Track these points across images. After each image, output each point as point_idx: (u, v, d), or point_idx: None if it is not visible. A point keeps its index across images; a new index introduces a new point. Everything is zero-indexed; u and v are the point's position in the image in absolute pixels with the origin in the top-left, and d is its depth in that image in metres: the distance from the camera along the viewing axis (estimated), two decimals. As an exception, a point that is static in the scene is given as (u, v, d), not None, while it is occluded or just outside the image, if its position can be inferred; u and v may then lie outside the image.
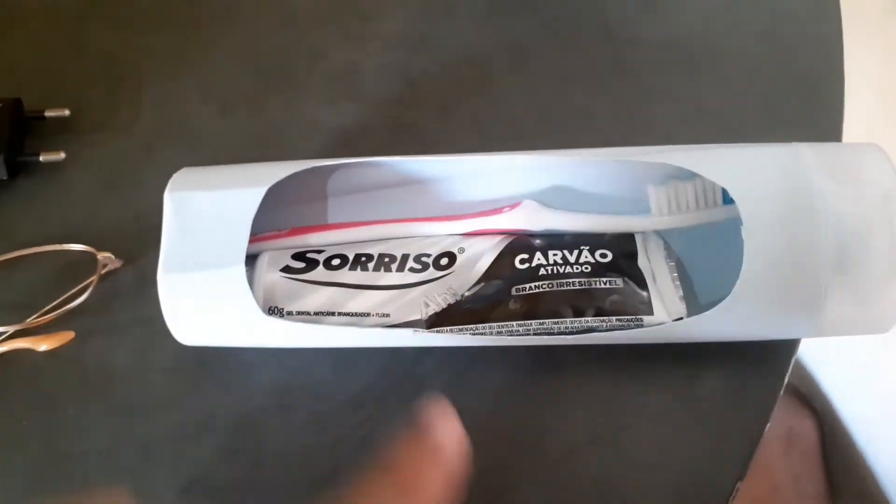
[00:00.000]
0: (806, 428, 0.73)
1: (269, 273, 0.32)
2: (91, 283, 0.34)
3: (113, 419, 0.33)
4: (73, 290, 0.35)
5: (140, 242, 0.37)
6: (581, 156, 0.32)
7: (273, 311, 0.31)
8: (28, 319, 0.34)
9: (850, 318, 0.30)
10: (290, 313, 0.31)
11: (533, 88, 0.40)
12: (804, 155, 0.29)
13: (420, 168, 0.35)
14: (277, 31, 0.42)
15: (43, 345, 0.32)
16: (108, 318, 0.35)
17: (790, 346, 0.34)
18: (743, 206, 0.29)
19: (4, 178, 0.37)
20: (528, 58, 0.41)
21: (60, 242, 0.36)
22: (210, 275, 0.30)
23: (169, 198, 0.31)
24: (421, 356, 0.34)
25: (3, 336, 0.34)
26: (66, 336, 0.32)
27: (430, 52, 0.41)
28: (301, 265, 0.32)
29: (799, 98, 0.39)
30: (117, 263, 0.35)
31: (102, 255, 0.35)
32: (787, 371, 0.33)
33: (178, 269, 0.30)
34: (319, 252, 0.33)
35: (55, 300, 0.35)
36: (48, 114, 0.39)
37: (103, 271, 0.35)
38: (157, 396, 0.34)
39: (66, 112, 0.39)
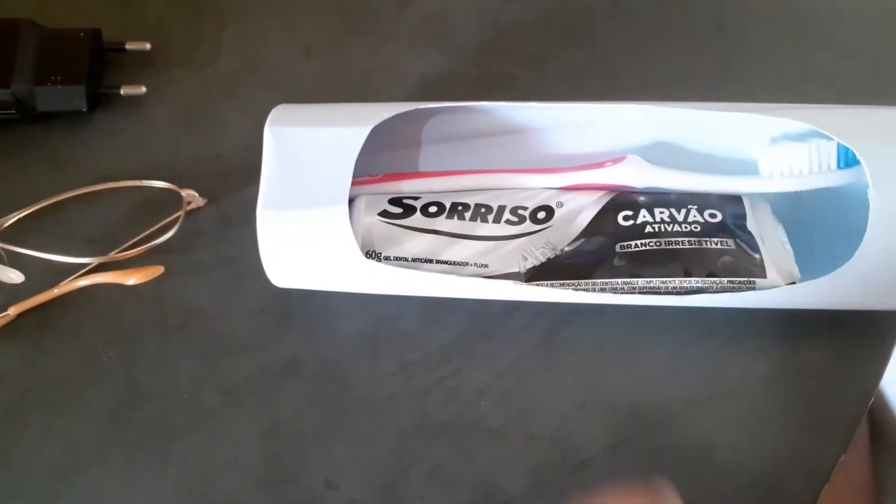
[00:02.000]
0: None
1: (367, 216, 0.31)
2: (178, 219, 0.33)
3: (195, 359, 0.32)
4: (155, 227, 0.34)
5: (221, 182, 0.36)
6: (695, 108, 0.30)
7: (371, 254, 0.30)
8: (111, 253, 0.33)
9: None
10: (387, 258, 0.30)
11: (631, 42, 0.38)
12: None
13: (518, 116, 0.33)
14: (363, -27, 0.40)
15: (131, 279, 0.31)
16: (190, 256, 0.34)
17: (893, 319, 0.32)
18: (870, 167, 0.27)
19: (84, 110, 0.36)
20: (626, 9, 0.39)
21: (140, 178, 0.35)
22: (311, 213, 0.29)
23: (269, 132, 0.30)
24: (510, 311, 0.33)
25: (86, 269, 0.33)
26: (156, 270, 0.31)
27: (521, 0, 0.39)
28: (398, 210, 0.31)
29: (909, 64, 0.37)
30: (201, 202, 0.34)
31: (186, 192, 0.34)
32: (893, 345, 0.32)
33: (277, 205, 0.29)
34: (416, 199, 0.32)
35: (134, 237, 0.34)
36: (129, 46, 0.38)
37: (188, 209, 0.34)
38: (239, 338, 0.33)
39: (147, 45, 0.38)
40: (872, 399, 0.32)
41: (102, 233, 0.35)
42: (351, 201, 0.32)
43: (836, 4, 0.39)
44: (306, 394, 0.32)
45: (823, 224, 0.32)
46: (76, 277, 0.33)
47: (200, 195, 0.35)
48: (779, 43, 0.38)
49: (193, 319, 0.33)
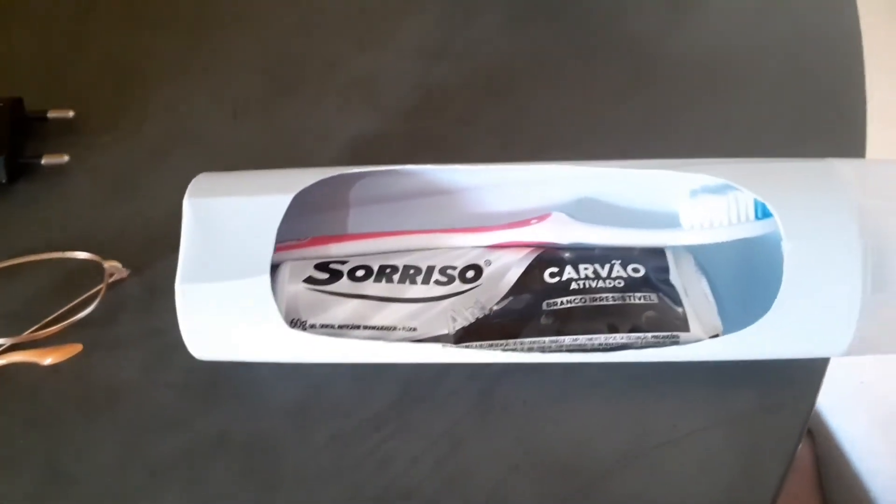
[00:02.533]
0: (801, 449, 0.73)
1: (292, 284, 0.31)
2: (99, 292, 0.32)
3: (119, 438, 0.31)
4: (77, 301, 0.33)
5: (147, 251, 0.35)
6: (616, 167, 0.31)
7: (295, 323, 0.30)
8: (28, 331, 0.32)
9: (884, 337, 0.29)
10: (313, 326, 0.30)
11: (555, 99, 0.39)
12: (841, 170, 0.29)
13: (444, 178, 0.34)
14: (290, 35, 0.41)
15: (48, 358, 0.30)
16: (113, 330, 0.33)
17: (820, 365, 0.33)
18: (783, 220, 0.28)
19: (4, 182, 0.35)
20: (549, 68, 0.40)
21: (62, 250, 0.34)
22: (232, 285, 0.28)
23: (188, 203, 0.29)
24: (444, 373, 0.33)
25: (1, 349, 0.32)
26: (74, 349, 0.30)
27: (448, 60, 0.40)
28: (324, 276, 0.31)
29: (822, 114, 0.39)
30: (124, 273, 0.34)
31: (109, 264, 0.33)
32: (817, 390, 0.33)
33: (197, 278, 0.28)
34: (343, 263, 0.31)
35: (56, 311, 0.33)
36: (51, 114, 0.37)
37: (110, 281, 0.33)
38: (166, 414, 0.32)
39: (71, 113, 0.37)
40: (802, 438, 0.32)
41: (21, 309, 0.34)
42: (276, 267, 0.31)
43: (754, 56, 0.40)
44: (236, 469, 0.31)
45: (745, 273, 0.33)
46: (-8, 357, 0.32)
47: (125, 266, 0.34)
48: (699, 95, 0.39)
49: (117, 396, 0.32)
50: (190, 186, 0.30)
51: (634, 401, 0.32)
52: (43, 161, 0.36)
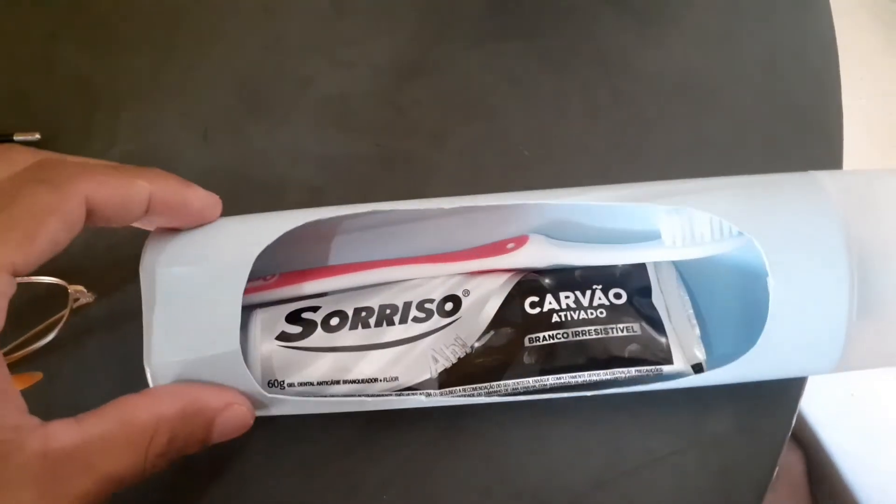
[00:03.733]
0: (793, 461, 0.72)
1: (265, 343, 0.29)
2: (62, 318, 0.32)
3: (82, 467, 0.31)
4: (40, 327, 0.33)
5: (113, 275, 0.34)
6: (590, 198, 0.30)
7: (273, 384, 0.29)
8: (-9, 358, 0.32)
9: (871, 353, 0.29)
10: (291, 385, 0.29)
11: (528, 117, 0.39)
12: (823, 182, 0.28)
13: (416, 206, 0.33)
14: (260, 55, 0.40)
15: (7, 387, 0.30)
16: (78, 356, 0.33)
17: (798, 385, 0.33)
18: (767, 253, 0.27)
19: (-32, 206, 0.35)
20: (521, 86, 0.39)
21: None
22: (203, 361, 0.27)
23: (144, 274, 0.28)
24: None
25: (-37, 377, 0.31)
26: (34, 377, 0.30)
27: (420, 79, 0.40)
28: (297, 330, 0.30)
29: (797, 129, 0.38)
30: (89, 297, 0.33)
31: (74, 289, 0.33)
32: (794, 411, 0.32)
33: (165, 355, 0.27)
34: (315, 310, 0.30)
35: (19, 338, 0.33)
36: (17, 137, 0.37)
37: (75, 305, 0.33)
38: (130, 441, 0.31)
39: (37, 135, 0.37)
40: (778, 464, 0.32)
41: (-15, 335, 0.33)
42: (246, 318, 0.30)
43: (728, 73, 0.40)
44: (201, 496, 0.30)
45: (727, 289, 0.33)
46: (-47, 386, 0.31)
47: (90, 290, 0.34)
48: (672, 111, 0.39)
49: (81, 424, 0.31)
50: (144, 251, 0.29)
51: (607, 424, 0.32)
52: (9, 184, 0.36)
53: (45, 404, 0.32)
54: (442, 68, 0.40)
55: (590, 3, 0.42)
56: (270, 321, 0.30)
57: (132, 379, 0.32)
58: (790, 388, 0.32)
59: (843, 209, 0.28)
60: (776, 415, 0.32)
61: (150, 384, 0.27)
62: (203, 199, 0.28)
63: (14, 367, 0.31)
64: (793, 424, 0.32)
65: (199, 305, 0.27)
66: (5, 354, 0.32)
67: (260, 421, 0.31)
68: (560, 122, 0.39)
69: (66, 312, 0.32)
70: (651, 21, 0.41)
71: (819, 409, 0.73)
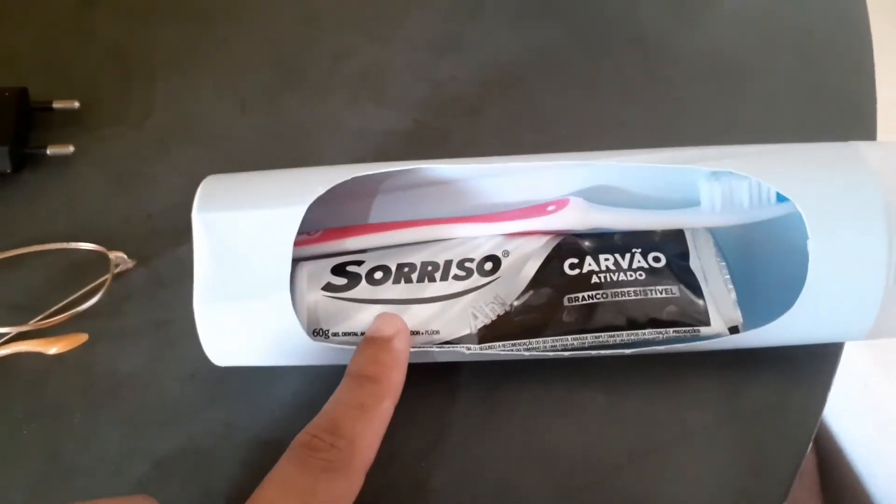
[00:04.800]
0: (804, 450, 0.73)
1: (311, 293, 0.30)
2: (105, 282, 0.32)
3: (123, 429, 0.31)
4: (82, 291, 0.33)
5: (152, 242, 0.35)
6: (631, 160, 0.30)
7: (318, 333, 0.30)
8: (33, 321, 0.32)
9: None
10: (335, 334, 0.29)
11: (563, 94, 0.39)
12: (864, 153, 0.29)
13: (459, 168, 0.33)
14: (296, 28, 0.40)
15: (53, 347, 0.30)
16: (118, 321, 0.33)
17: (832, 358, 0.33)
18: (808, 216, 0.28)
19: (8, 171, 0.35)
20: (557, 63, 0.40)
21: (67, 241, 0.34)
22: (252, 304, 0.27)
23: (198, 219, 0.28)
24: (452, 367, 0.32)
25: (6, 338, 0.32)
26: (79, 338, 0.30)
27: (456, 55, 0.40)
28: (343, 281, 0.30)
29: (831, 112, 0.38)
30: (129, 264, 0.33)
31: (114, 255, 0.33)
32: (829, 386, 0.33)
33: (215, 298, 0.28)
34: (359, 264, 0.31)
35: (60, 302, 0.33)
36: (56, 105, 0.37)
37: (116, 271, 0.33)
38: (171, 406, 0.32)
39: (76, 104, 0.37)
40: (813, 435, 0.32)
41: (26, 299, 0.33)
42: (292, 271, 0.30)
43: (761, 55, 0.40)
44: (241, 461, 0.31)
45: (764, 255, 0.33)
46: (-4, 347, 0.31)
47: (130, 257, 0.34)
48: (706, 93, 0.39)
49: (122, 387, 0.32)
50: (197, 196, 0.29)
51: (642, 397, 0.32)
52: (48, 151, 0.36)
53: (87, 366, 0.32)
54: (477, 45, 0.40)
55: (626, -17, 0.42)
56: (316, 273, 0.30)
57: (170, 344, 0.33)
58: (824, 363, 0.33)
59: (882, 177, 0.28)
60: (809, 389, 0.32)
61: (198, 326, 0.28)
62: None
63: (59, 329, 0.32)
64: (827, 400, 0.32)
65: (249, 250, 0.28)
66: (49, 316, 0.32)
67: (298, 388, 0.32)
68: (595, 100, 0.39)
69: (108, 277, 0.32)
70: (686, 3, 0.41)
71: (831, 400, 0.73)
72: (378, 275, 0.30)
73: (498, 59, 0.40)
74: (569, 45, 0.40)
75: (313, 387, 0.32)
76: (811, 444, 0.32)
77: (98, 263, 0.33)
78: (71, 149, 0.36)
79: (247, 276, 0.28)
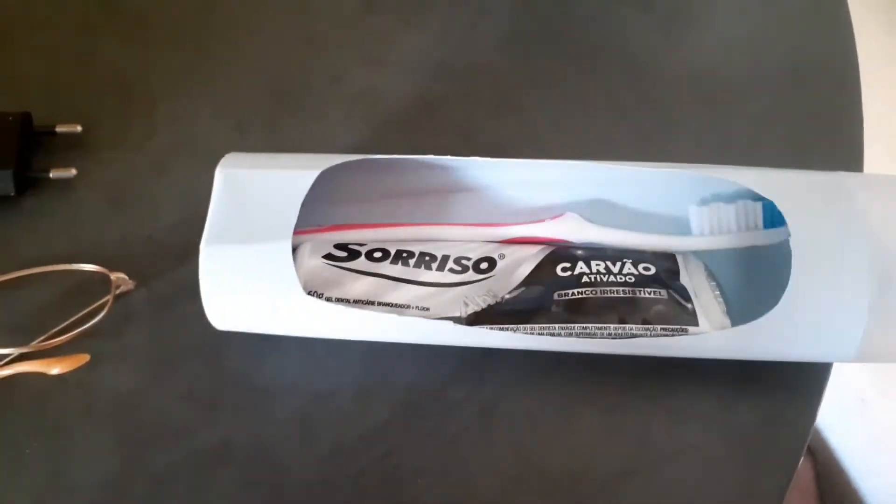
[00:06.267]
0: (802, 466, 0.73)
1: (312, 259, 0.32)
2: (106, 303, 0.33)
3: (123, 448, 0.31)
4: (83, 312, 0.33)
5: (152, 263, 0.35)
6: (634, 167, 0.32)
7: (312, 294, 0.31)
8: (35, 342, 0.33)
9: (890, 345, 0.30)
10: (329, 299, 0.31)
11: (555, 115, 0.40)
12: (849, 182, 0.29)
13: (460, 175, 0.35)
14: (293, 52, 0.41)
15: (55, 368, 0.30)
16: (119, 341, 0.33)
17: (821, 376, 0.33)
18: (791, 221, 0.28)
19: (12, 195, 0.36)
20: (549, 85, 0.40)
21: (69, 262, 0.34)
22: (254, 249, 0.29)
23: (220, 173, 0.31)
24: (447, 384, 0.33)
25: (8, 359, 0.32)
26: (81, 359, 0.31)
27: (450, 77, 0.41)
28: (343, 254, 0.32)
29: (819, 130, 0.39)
30: (130, 284, 0.34)
31: (116, 276, 0.33)
32: (819, 402, 0.33)
33: (221, 241, 0.30)
34: (361, 245, 0.33)
35: (62, 322, 0.33)
36: (59, 129, 0.38)
37: (117, 292, 0.33)
38: (170, 424, 0.32)
39: (78, 128, 0.38)
40: (804, 450, 0.33)
41: (28, 320, 0.34)
42: (296, 246, 0.32)
43: (751, 76, 0.41)
44: (239, 479, 0.31)
45: (753, 281, 0.34)
46: (-1, 367, 0.32)
47: (130, 278, 0.34)
48: (696, 113, 0.40)
49: (122, 407, 0.32)
50: (222, 161, 0.32)
51: (634, 413, 0.32)
52: (51, 174, 0.36)
53: (88, 386, 0.33)
54: (471, 67, 0.41)
55: (616, 5, 0.43)
56: (319, 245, 0.32)
57: (170, 363, 0.33)
58: (814, 379, 0.33)
59: (866, 204, 0.29)
60: (799, 405, 0.33)
61: (200, 268, 0.30)
62: None
63: (61, 350, 0.32)
64: (817, 416, 0.33)
65: (260, 205, 0.30)
66: (51, 337, 0.32)
67: (296, 406, 0.32)
68: (587, 121, 0.39)
69: (109, 298, 0.33)
70: (676, 24, 0.42)
71: (829, 414, 0.74)
72: (377, 254, 0.32)
73: (490, 81, 0.40)
74: (561, 68, 0.41)
75: (307, 405, 0.32)
76: (804, 458, 0.32)
77: (99, 284, 0.34)
78: (73, 172, 0.37)
79: (254, 227, 0.30)
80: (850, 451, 0.72)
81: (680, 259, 0.32)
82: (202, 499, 0.31)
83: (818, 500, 0.73)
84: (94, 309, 0.33)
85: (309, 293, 0.31)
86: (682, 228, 0.33)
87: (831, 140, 0.39)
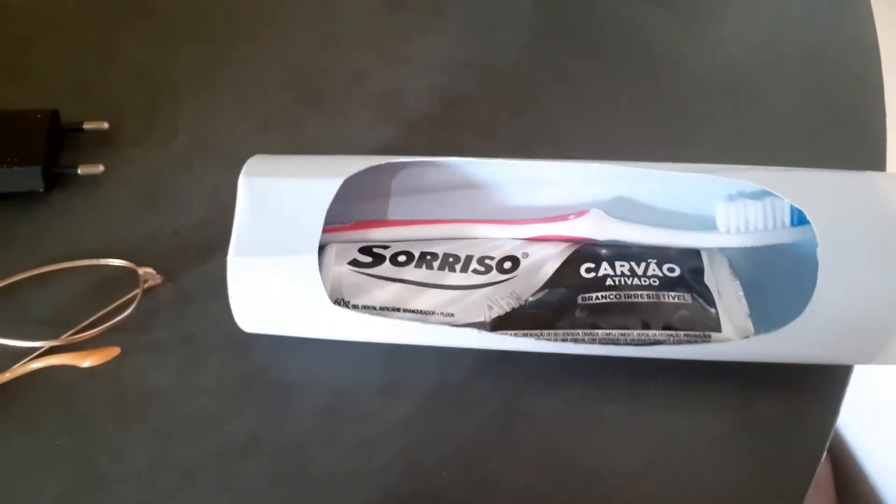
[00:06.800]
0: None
1: (337, 265, 0.32)
2: (135, 297, 0.33)
3: (152, 441, 0.32)
4: (111, 307, 0.34)
5: (179, 259, 0.36)
6: (658, 169, 0.32)
7: (339, 303, 0.31)
8: (65, 335, 0.33)
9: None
10: (355, 306, 0.31)
11: (575, 112, 0.40)
12: (876, 181, 0.29)
13: (483, 172, 0.35)
14: (316, 50, 0.42)
15: (87, 361, 0.31)
16: (147, 335, 0.34)
17: (844, 372, 0.33)
18: (818, 227, 0.29)
19: (40, 191, 0.36)
20: (569, 82, 0.41)
21: (97, 257, 0.35)
22: (281, 261, 0.29)
23: (244, 181, 0.31)
24: (471, 379, 0.33)
25: (38, 352, 0.33)
26: (112, 352, 0.31)
27: (471, 75, 0.41)
28: (368, 259, 0.32)
29: (841, 128, 0.39)
30: (158, 279, 0.35)
31: (143, 271, 0.34)
32: (841, 399, 0.33)
33: (248, 252, 0.30)
34: (385, 248, 0.33)
35: (90, 317, 0.34)
36: (87, 126, 0.38)
37: (145, 286, 0.34)
38: (197, 418, 0.32)
39: (105, 125, 0.38)
40: (827, 446, 0.33)
41: (58, 314, 0.34)
42: (322, 249, 0.33)
43: (772, 74, 0.41)
44: (265, 472, 0.31)
45: (778, 279, 0.34)
46: (28, 361, 0.32)
47: (157, 273, 0.35)
48: (718, 110, 0.40)
49: (150, 399, 0.33)
50: (245, 166, 0.32)
51: (658, 408, 0.33)
52: (79, 171, 0.37)
53: (118, 379, 0.33)
54: (492, 65, 0.41)
55: (637, 2, 0.43)
56: (343, 250, 0.33)
57: (198, 358, 0.33)
58: (837, 376, 0.33)
59: (893, 202, 0.29)
60: (822, 402, 0.33)
61: (228, 277, 0.30)
62: None
63: (89, 344, 0.33)
64: (839, 412, 0.33)
65: (285, 214, 0.30)
66: (81, 331, 0.33)
67: (321, 400, 0.33)
68: (608, 118, 0.40)
69: (138, 292, 0.33)
70: (696, 21, 0.42)
71: (847, 412, 0.73)
72: (401, 258, 0.32)
73: (512, 79, 0.41)
74: (581, 65, 0.41)
75: (332, 399, 0.33)
76: (825, 455, 0.32)
77: (126, 279, 0.34)
78: (101, 168, 0.37)
79: (280, 236, 0.30)
80: (868, 449, 0.72)
81: (705, 256, 0.32)
82: (229, 491, 0.31)
83: (835, 497, 0.73)
84: (122, 303, 0.34)
85: (335, 301, 0.31)
86: (707, 225, 0.33)
87: (853, 138, 0.39)
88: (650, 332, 0.30)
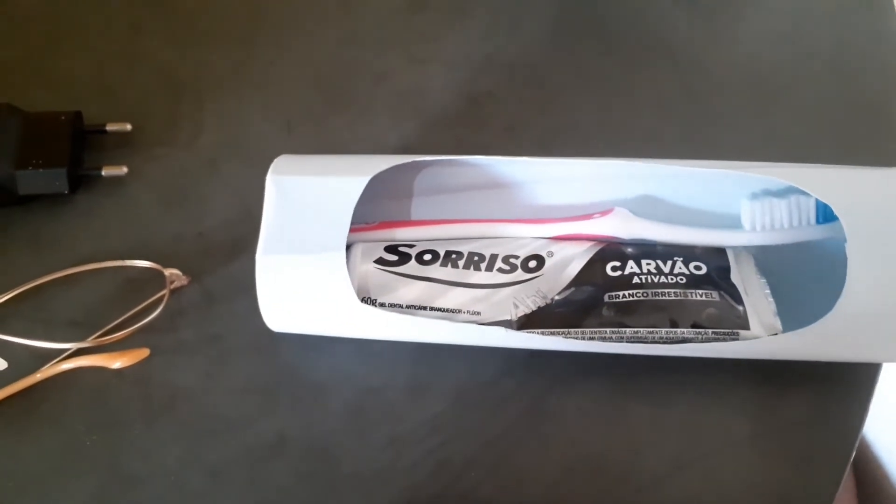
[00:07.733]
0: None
1: (364, 264, 0.32)
2: (163, 298, 0.33)
3: (181, 441, 0.32)
4: (138, 308, 0.34)
5: (204, 259, 0.36)
6: (683, 166, 0.32)
7: (366, 301, 0.31)
8: (93, 336, 0.33)
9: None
10: (382, 305, 0.31)
11: (600, 110, 0.40)
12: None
13: (507, 171, 0.35)
14: (339, 50, 0.42)
15: (117, 362, 0.31)
16: (174, 336, 0.34)
17: (872, 371, 0.33)
18: (847, 223, 0.28)
19: (65, 192, 0.36)
20: (593, 80, 0.40)
21: (123, 258, 0.35)
22: (310, 258, 0.30)
23: (271, 180, 0.31)
24: (499, 378, 0.33)
25: (67, 353, 0.33)
26: (142, 353, 0.31)
27: (494, 73, 0.41)
28: (394, 258, 0.32)
29: (867, 124, 0.39)
30: (184, 280, 0.35)
31: (169, 272, 0.34)
32: (870, 397, 0.33)
33: (276, 251, 0.30)
34: (411, 246, 0.33)
35: (116, 318, 0.34)
36: (110, 128, 0.38)
37: (171, 287, 0.34)
38: (225, 417, 0.33)
39: (128, 126, 0.38)
40: (855, 446, 0.33)
41: (85, 315, 0.34)
42: (348, 248, 0.33)
43: (795, 70, 0.40)
44: (294, 471, 0.31)
45: (804, 277, 0.33)
46: (58, 361, 0.33)
47: (183, 273, 0.35)
48: (742, 107, 0.39)
49: (179, 400, 0.33)
50: (273, 165, 0.32)
51: (686, 406, 0.32)
52: (103, 172, 0.37)
53: (146, 380, 0.33)
54: (515, 63, 0.41)
55: (660, 1, 0.43)
56: (370, 249, 0.33)
57: (225, 358, 0.34)
58: (863, 377, 0.33)
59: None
60: (850, 400, 0.33)
61: (257, 276, 0.30)
62: None
63: (117, 345, 0.33)
64: (868, 413, 0.33)
65: (312, 212, 0.30)
66: (108, 332, 0.33)
67: (350, 399, 0.33)
68: (632, 116, 0.39)
69: (165, 293, 0.33)
70: (720, 18, 0.42)
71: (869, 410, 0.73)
72: (427, 257, 0.32)
73: (534, 76, 0.41)
74: (605, 63, 0.41)
75: (361, 398, 0.33)
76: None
77: (152, 280, 0.35)
78: (124, 170, 0.37)
79: (307, 235, 0.30)
80: (889, 446, 0.72)
81: (730, 254, 0.32)
82: (258, 490, 0.31)
83: (856, 496, 0.73)
84: (150, 304, 0.34)
85: (362, 299, 0.31)
86: (732, 223, 0.33)
87: (879, 134, 0.39)
88: (678, 331, 0.30)
